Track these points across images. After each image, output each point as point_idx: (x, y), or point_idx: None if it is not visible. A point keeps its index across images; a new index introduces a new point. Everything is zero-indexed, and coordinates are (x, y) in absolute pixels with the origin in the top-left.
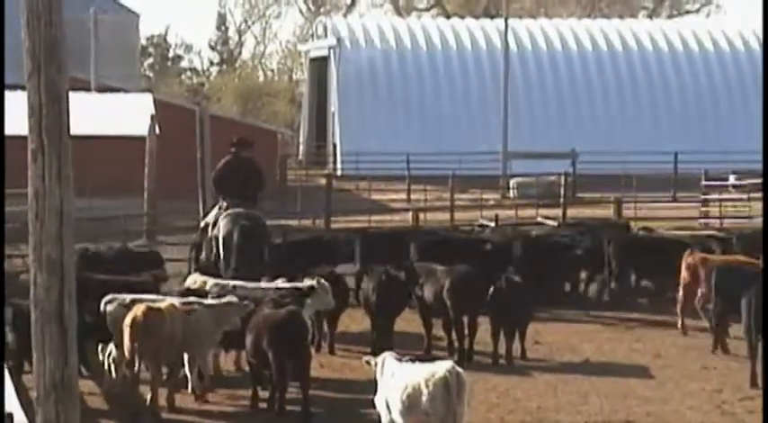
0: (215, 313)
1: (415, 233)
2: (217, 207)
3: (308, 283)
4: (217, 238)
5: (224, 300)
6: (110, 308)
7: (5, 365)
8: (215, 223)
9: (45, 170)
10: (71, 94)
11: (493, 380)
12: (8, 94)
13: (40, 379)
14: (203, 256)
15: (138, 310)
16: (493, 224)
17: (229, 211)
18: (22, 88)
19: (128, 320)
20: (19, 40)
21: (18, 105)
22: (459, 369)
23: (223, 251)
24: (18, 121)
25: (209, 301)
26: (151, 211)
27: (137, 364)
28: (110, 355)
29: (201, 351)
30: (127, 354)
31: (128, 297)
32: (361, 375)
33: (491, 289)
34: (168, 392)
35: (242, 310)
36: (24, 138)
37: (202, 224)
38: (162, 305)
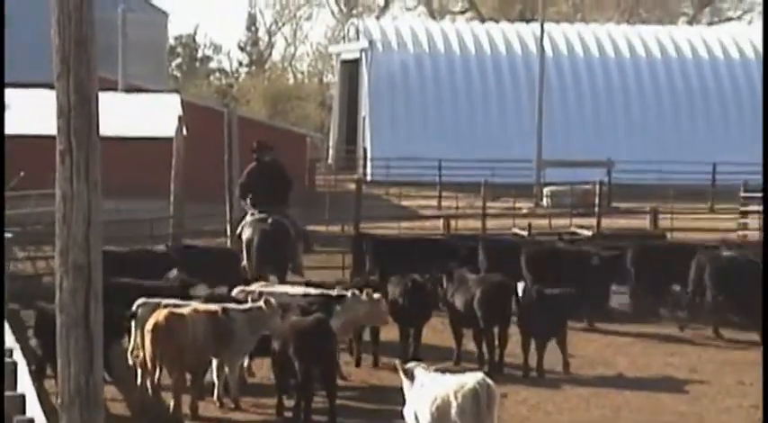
0: (248, 318)
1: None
2: (249, 214)
3: (337, 290)
4: (243, 244)
5: (257, 304)
6: (141, 312)
7: (28, 370)
8: (242, 229)
9: (73, 172)
10: (100, 94)
11: (523, 392)
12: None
13: (64, 385)
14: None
15: (160, 314)
16: (588, 232)
17: (255, 217)
18: (50, 87)
19: (149, 325)
20: (37, 38)
21: (46, 104)
22: (490, 381)
23: (246, 256)
24: (46, 121)
25: (242, 305)
26: (178, 214)
27: (158, 370)
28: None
29: (233, 357)
30: (148, 359)
31: (161, 302)
32: (390, 385)
33: (519, 299)
34: (192, 400)
35: (277, 315)
36: (53, 137)
37: (238, 231)
38: (184, 309)
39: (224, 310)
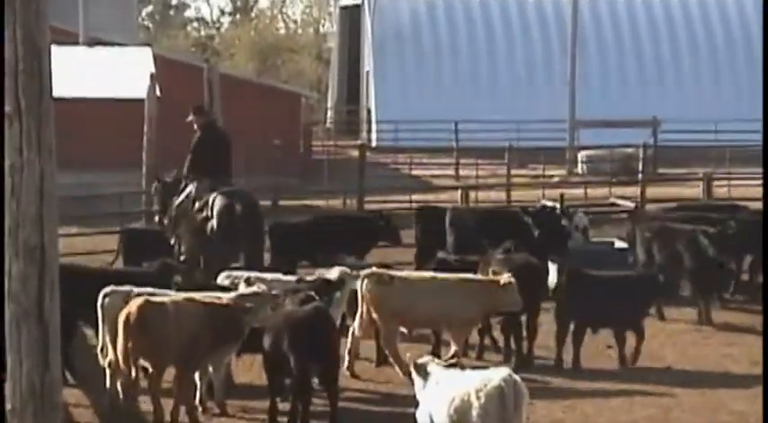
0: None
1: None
2: (191, 187)
3: (337, 273)
4: (206, 222)
5: (249, 290)
6: (108, 302)
7: None
8: (198, 205)
9: (23, 138)
10: (55, 48)
11: (557, 391)
12: None
13: (15, 386)
14: (177, 243)
15: (134, 304)
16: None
17: (224, 190)
18: None
19: (122, 316)
20: None
21: None
22: (517, 377)
23: (222, 237)
24: None
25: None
26: (151, 189)
27: (132, 370)
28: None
29: (219, 353)
30: (120, 357)
31: (133, 290)
32: (400, 385)
33: (553, 283)
34: (174, 404)
35: (272, 302)
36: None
37: (174, 210)
38: (165, 298)
39: (235, 300)
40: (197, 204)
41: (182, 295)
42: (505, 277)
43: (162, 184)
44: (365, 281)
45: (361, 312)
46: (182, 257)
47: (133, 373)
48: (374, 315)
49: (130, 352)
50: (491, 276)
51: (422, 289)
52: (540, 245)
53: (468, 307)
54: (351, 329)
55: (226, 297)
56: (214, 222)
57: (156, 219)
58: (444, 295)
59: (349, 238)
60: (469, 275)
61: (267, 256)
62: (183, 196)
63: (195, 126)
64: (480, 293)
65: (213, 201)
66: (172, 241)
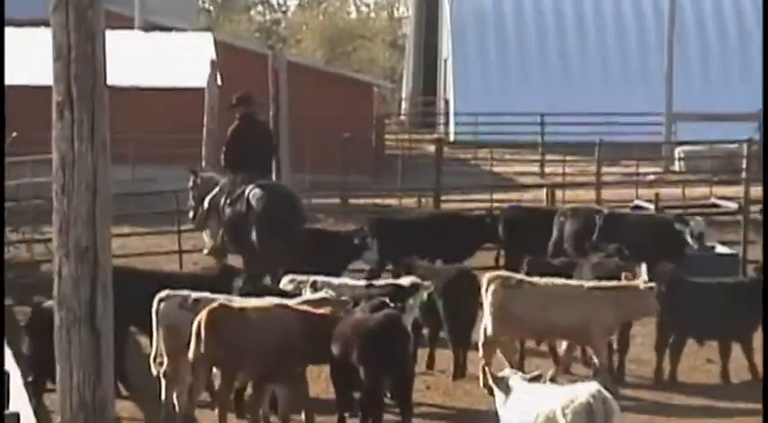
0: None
1: None
2: (224, 180)
3: (409, 279)
4: (239, 216)
5: (316, 296)
6: (162, 308)
7: (24, 382)
8: (232, 199)
9: (74, 130)
10: (109, 33)
11: (650, 407)
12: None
13: (65, 398)
14: (211, 240)
15: (208, 307)
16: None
17: (260, 183)
18: (46, 24)
19: (196, 320)
20: None
21: (42, 46)
22: (607, 393)
23: (261, 232)
24: (42, 67)
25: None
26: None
27: (198, 381)
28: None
29: (291, 364)
30: (189, 365)
31: (190, 295)
32: (479, 401)
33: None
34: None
35: (341, 309)
36: (49, 88)
37: (206, 204)
38: (250, 304)
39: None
40: (230, 197)
41: (273, 301)
42: (643, 282)
43: (199, 179)
44: (490, 284)
45: (494, 318)
46: (205, 251)
47: (200, 382)
48: (492, 321)
49: (199, 359)
50: (628, 281)
51: (553, 295)
52: (655, 252)
53: (605, 315)
54: (480, 340)
55: (292, 303)
56: (251, 216)
57: (190, 215)
58: (578, 302)
59: (454, 239)
60: (605, 282)
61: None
62: (216, 189)
63: (237, 115)
64: (618, 300)
65: (249, 193)
66: (204, 234)
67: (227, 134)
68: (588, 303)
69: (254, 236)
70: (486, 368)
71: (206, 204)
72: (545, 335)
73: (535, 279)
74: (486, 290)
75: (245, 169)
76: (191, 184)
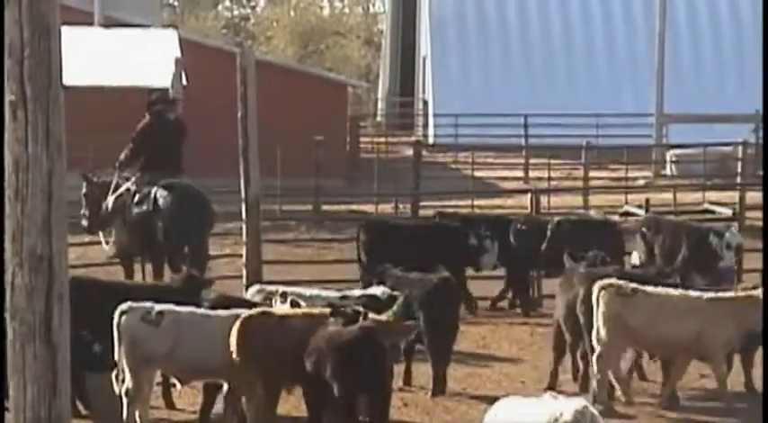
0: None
1: None
2: (131, 181)
3: (382, 290)
4: (146, 216)
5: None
6: (124, 321)
7: None
8: (139, 199)
9: (28, 132)
10: (66, 29)
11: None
12: None
13: (18, 415)
14: (112, 245)
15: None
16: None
17: (171, 182)
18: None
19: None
20: None
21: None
22: (593, 410)
23: (169, 233)
24: None
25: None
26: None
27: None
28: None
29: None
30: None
31: (154, 307)
32: (460, 419)
33: None
34: None
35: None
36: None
37: (110, 205)
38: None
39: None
40: (137, 197)
41: (307, 311)
42: (760, 293)
43: (91, 185)
44: (602, 292)
45: (607, 329)
46: (110, 253)
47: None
48: (602, 331)
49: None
50: (748, 292)
51: (670, 306)
52: (686, 265)
53: (725, 328)
54: (596, 352)
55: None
56: (158, 215)
57: (84, 223)
58: (696, 315)
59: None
60: (722, 293)
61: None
62: (122, 189)
63: (149, 112)
64: (738, 312)
65: (156, 193)
66: (100, 236)
67: (135, 132)
68: (706, 316)
69: (160, 236)
70: (602, 382)
71: (110, 205)
72: (658, 348)
73: (650, 288)
74: (598, 298)
75: (154, 169)
76: (84, 190)
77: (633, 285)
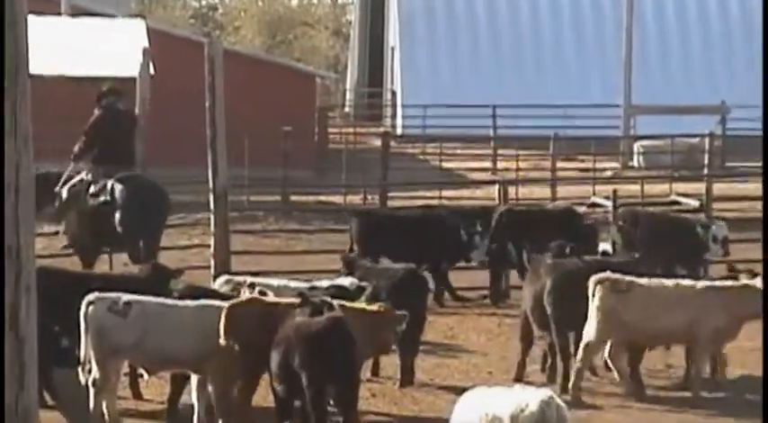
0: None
1: None
2: (85, 172)
3: (352, 281)
4: (103, 207)
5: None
6: (91, 311)
7: None
8: (95, 191)
9: None
10: (32, 18)
11: (607, 417)
12: None
13: None
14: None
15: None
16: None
17: (126, 175)
18: None
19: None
20: None
21: None
22: (559, 401)
23: (127, 224)
24: None
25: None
26: None
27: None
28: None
29: (218, 371)
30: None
31: (121, 297)
32: (428, 409)
33: None
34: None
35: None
36: None
37: (64, 195)
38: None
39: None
40: (93, 188)
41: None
42: (759, 282)
43: (36, 178)
44: (597, 287)
45: (597, 323)
46: (65, 243)
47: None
48: (598, 326)
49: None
50: (744, 281)
51: (666, 298)
52: (673, 256)
53: (719, 317)
54: (582, 344)
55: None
56: (116, 206)
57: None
58: (692, 305)
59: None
60: (719, 282)
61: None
62: (75, 180)
63: (100, 105)
64: (734, 301)
65: (113, 185)
66: (59, 227)
67: (88, 125)
68: (701, 306)
69: (117, 228)
70: (579, 372)
71: (64, 195)
72: (653, 340)
73: (644, 281)
74: (594, 293)
75: (107, 161)
76: None
77: (629, 279)
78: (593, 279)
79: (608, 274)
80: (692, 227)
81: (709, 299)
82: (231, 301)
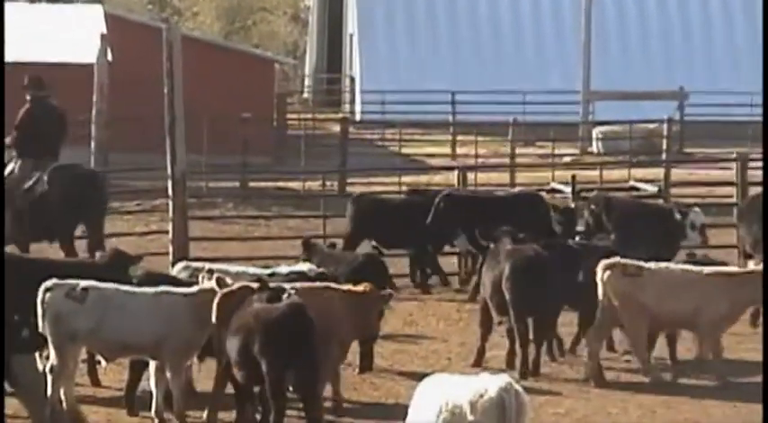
0: (195, 303)
1: None
2: (13, 166)
3: (311, 267)
4: (42, 197)
5: (206, 285)
6: (48, 297)
7: None
8: (31, 184)
9: None
10: None
11: (566, 402)
12: None
13: None
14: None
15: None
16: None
17: (61, 164)
18: None
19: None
20: None
21: None
22: (518, 387)
23: (63, 210)
24: None
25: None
26: (100, 167)
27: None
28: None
29: (176, 358)
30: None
31: (78, 283)
32: (387, 395)
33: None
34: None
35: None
36: None
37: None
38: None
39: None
40: (28, 182)
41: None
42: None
43: None
44: (607, 272)
45: (603, 307)
46: None
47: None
48: (620, 312)
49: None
50: (751, 267)
51: (675, 282)
52: (650, 243)
53: (722, 303)
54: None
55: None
56: (52, 197)
57: None
58: (699, 290)
59: None
60: (726, 267)
61: None
62: (6, 171)
63: (27, 97)
64: (738, 287)
65: (49, 176)
66: None
67: (18, 117)
68: (707, 291)
69: (55, 218)
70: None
71: None
72: (664, 325)
73: (652, 265)
74: (602, 277)
75: (36, 154)
76: None
77: (638, 263)
78: (601, 264)
79: (617, 258)
80: (669, 214)
81: (717, 284)
82: (223, 290)
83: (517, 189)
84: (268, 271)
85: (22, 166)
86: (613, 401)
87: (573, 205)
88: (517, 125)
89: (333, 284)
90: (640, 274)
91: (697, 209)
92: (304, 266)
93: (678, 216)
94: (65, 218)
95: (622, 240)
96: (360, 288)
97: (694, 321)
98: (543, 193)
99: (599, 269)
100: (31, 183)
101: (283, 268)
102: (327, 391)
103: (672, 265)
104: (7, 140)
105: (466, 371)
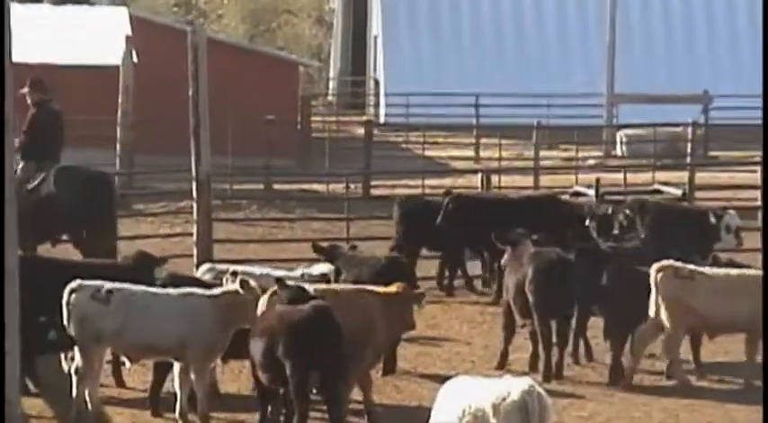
0: (219, 304)
1: None
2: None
3: (332, 269)
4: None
5: (231, 287)
6: (74, 299)
7: None
8: (34, 186)
9: None
10: (16, 6)
11: (589, 406)
12: None
13: None
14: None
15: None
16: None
17: (65, 165)
18: None
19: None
20: None
21: None
22: (541, 390)
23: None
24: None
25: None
26: (125, 170)
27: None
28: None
29: (200, 360)
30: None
31: (104, 285)
32: (410, 398)
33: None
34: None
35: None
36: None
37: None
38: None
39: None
40: (33, 183)
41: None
42: None
43: None
44: (659, 274)
45: (656, 310)
46: None
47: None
48: (664, 314)
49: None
50: None
51: (728, 287)
52: (684, 246)
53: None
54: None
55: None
56: (60, 198)
57: None
58: (752, 295)
59: None
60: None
61: None
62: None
63: (29, 101)
64: None
65: (55, 177)
66: None
67: (26, 122)
68: (758, 296)
69: (64, 219)
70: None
71: None
72: (716, 329)
73: (706, 269)
74: (656, 281)
75: (38, 157)
76: None
77: (690, 267)
78: (654, 267)
79: (669, 261)
80: (704, 217)
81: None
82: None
83: (529, 192)
84: (299, 272)
85: (25, 167)
86: (636, 405)
87: (609, 211)
88: (541, 128)
89: (365, 287)
90: (693, 277)
91: (732, 211)
92: (326, 268)
93: (713, 219)
94: (72, 219)
95: (657, 243)
96: (393, 289)
97: (747, 326)
98: (565, 197)
99: (652, 271)
100: (35, 183)
101: (308, 269)
102: (357, 393)
103: (725, 270)
104: (16, 143)
105: (489, 374)
